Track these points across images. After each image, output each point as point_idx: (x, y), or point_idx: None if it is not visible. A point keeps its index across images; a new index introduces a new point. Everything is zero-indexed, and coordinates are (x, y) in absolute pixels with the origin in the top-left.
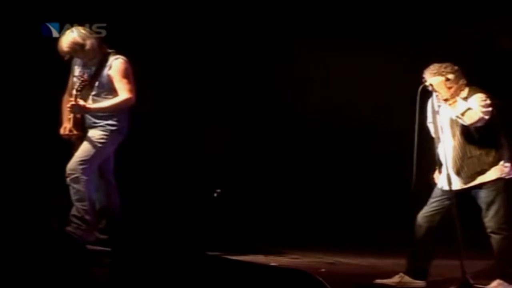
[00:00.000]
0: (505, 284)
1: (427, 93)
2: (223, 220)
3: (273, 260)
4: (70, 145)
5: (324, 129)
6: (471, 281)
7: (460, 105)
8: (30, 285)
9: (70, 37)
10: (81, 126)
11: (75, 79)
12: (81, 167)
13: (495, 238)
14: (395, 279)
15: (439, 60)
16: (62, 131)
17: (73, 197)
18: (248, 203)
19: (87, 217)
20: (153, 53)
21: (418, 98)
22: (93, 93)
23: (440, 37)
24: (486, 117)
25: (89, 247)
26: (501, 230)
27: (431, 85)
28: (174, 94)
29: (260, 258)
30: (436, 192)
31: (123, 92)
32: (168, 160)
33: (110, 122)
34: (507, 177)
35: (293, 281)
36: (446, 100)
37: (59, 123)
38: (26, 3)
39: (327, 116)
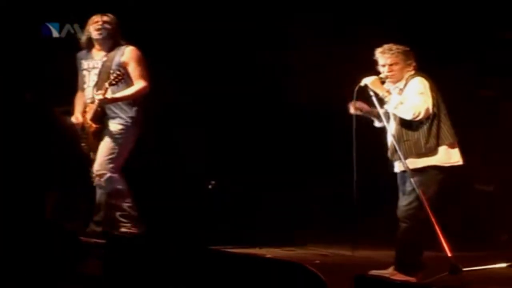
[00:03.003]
0: (399, 274)
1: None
2: (218, 213)
3: (268, 252)
4: (80, 137)
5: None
6: (460, 266)
7: (392, 100)
8: (25, 276)
9: (111, 15)
10: (100, 119)
11: (84, 72)
12: (111, 165)
13: (400, 226)
14: (390, 270)
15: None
16: (75, 120)
17: (112, 198)
18: (242, 196)
19: (133, 212)
20: (153, 53)
21: (354, 99)
22: (109, 82)
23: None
24: (419, 111)
25: (83, 239)
26: (407, 219)
27: (366, 85)
28: (174, 93)
29: (254, 250)
30: None
31: (140, 79)
32: (164, 153)
33: (129, 114)
34: (445, 165)
35: (288, 273)
36: (384, 97)
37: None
38: (26, 3)
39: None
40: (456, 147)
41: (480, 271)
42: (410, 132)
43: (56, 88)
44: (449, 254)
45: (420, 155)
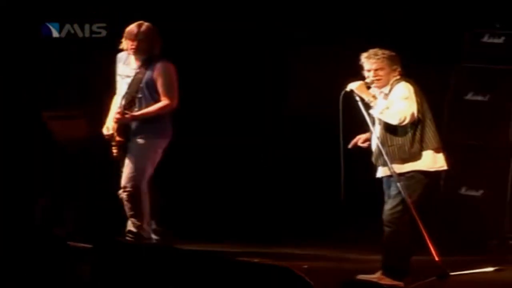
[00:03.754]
0: (386, 279)
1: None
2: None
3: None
4: (111, 143)
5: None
6: (447, 270)
7: (378, 105)
8: (13, 282)
9: (147, 26)
10: (124, 133)
11: (118, 77)
12: (135, 182)
13: (384, 231)
14: (378, 274)
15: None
16: (105, 131)
17: (128, 213)
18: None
19: (145, 234)
20: None
21: (340, 104)
22: (139, 95)
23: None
24: (404, 116)
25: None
26: (391, 223)
27: (351, 90)
28: None
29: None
30: None
31: (165, 96)
32: None
33: (153, 128)
34: (430, 170)
35: (275, 277)
36: (370, 102)
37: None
38: (26, 3)
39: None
40: (441, 152)
41: (468, 276)
42: (394, 137)
43: (55, 89)
44: (437, 259)
45: (404, 160)
